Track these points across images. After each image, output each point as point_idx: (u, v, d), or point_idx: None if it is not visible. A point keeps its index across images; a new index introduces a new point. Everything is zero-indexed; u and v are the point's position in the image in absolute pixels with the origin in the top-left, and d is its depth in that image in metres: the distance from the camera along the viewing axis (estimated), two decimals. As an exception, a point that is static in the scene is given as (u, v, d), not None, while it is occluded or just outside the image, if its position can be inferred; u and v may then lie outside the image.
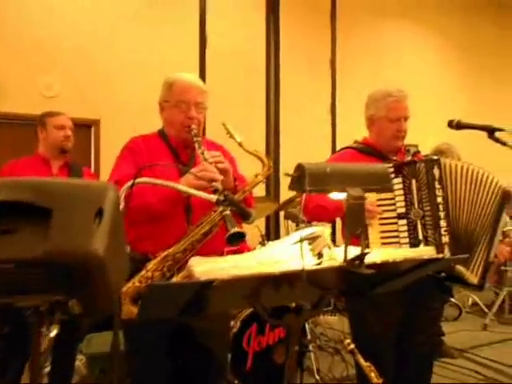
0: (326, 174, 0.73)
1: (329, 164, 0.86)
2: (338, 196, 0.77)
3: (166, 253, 1.65)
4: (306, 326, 3.24)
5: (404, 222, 1.86)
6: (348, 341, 1.38)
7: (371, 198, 1.83)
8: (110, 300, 0.68)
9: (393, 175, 1.86)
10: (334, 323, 4.48)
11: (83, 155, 4.56)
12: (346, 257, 0.74)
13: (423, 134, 6.55)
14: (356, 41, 6.13)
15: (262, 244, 3.18)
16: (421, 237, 1.84)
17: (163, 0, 5.04)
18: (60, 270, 0.60)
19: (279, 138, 5.52)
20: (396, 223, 1.86)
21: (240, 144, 1.82)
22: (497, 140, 1.84)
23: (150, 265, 1.65)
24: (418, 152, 2.16)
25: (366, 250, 0.75)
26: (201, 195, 1.28)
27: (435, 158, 1.91)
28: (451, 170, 1.86)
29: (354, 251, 0.76)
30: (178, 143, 1.85)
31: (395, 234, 1.86)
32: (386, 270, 0.85)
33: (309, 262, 0.78)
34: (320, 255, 0.80)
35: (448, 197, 1.85)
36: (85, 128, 4.60)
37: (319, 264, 0.78)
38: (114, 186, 0.69)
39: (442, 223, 1.84)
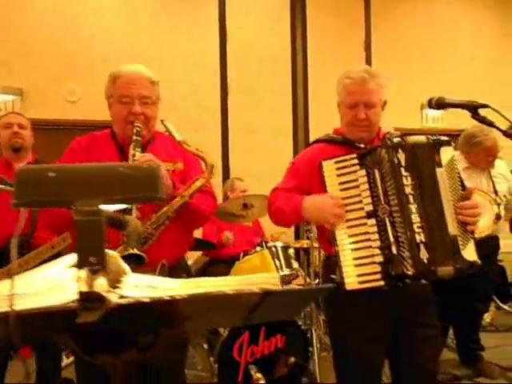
0: (47, 181, 0.53)
1: (57, 166, 0.66)
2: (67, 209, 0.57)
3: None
4: (313, 332, 3.00)
5: (373, 221, 1.55)
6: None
7: (336, 193, 1.58)
8: None
9: (358, 167, 1.57)
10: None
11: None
12: (80, 295, 0.53)
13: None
14: (392, 20, 5.64)
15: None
16: (391, 238, 1.52)
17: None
18: None
19: (309, 130, 5.22)
20: (365, 224, 1.56)
21: (180, 143, 1.66)
22: (481, 119, 1.49)
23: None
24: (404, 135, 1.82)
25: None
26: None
27: (398, 139, 1.58)
28: (414, 151, 1.52)
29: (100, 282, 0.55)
30: (124, 141, 1.72)
31: (366, 237, 1.55)
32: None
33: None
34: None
35: (421, 184, 1.51)
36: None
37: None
38: None
39: (415, 218, 1.49)
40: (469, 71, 5.85)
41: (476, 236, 2.71)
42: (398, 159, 1.53)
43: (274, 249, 2.99)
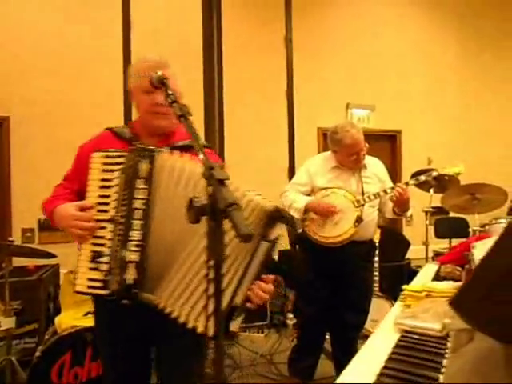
0: None
1: None
2: None
3: None
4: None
5: (112, 227, 1.39)
6: None
7: (91, 198, 1.42)
8: None
9: (118, 166, 1.40)
10: (258, 341, 3.88)
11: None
12: None
13: (409, 117, 5.63)
14: (315, 16, 5.41)
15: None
16: (111, 250, 1.38)
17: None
18: None
19: (223, 129, 4.90)
20: (105, 228, 1.40)
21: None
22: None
23: None
24: (208, 147, 1.56)
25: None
26: None
27: (151, 147, 1.41)
28: (164, 167, 1.37)
29: None
30: None
31: (102, 241, 1.40)
32: None
33: None
34: None
35: (155, 202, 1.36)
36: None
37: None
38: None
39: (135, 235, 1.36)
40: (395, 66, 5.67)
41: (337, 240, 2.48)
42: (137, 168, 1.37)
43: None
